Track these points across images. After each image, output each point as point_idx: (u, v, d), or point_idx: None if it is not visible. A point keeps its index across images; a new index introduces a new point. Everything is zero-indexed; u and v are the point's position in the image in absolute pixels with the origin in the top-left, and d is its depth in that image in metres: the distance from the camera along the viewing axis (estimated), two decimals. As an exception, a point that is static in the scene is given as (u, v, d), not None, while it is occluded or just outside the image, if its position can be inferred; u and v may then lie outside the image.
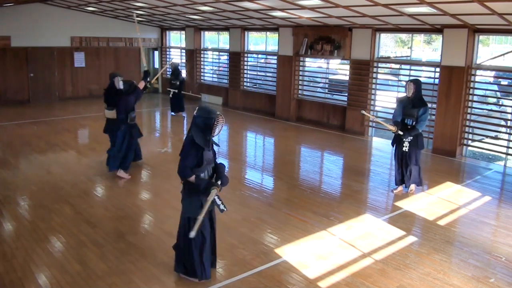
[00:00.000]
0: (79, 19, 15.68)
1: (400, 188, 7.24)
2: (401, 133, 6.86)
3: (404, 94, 7.06)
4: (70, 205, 6.36)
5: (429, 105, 10.04)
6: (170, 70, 13.82)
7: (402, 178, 7.18)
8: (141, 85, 7.89)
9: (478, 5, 6.91)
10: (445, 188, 7.52)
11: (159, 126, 13.31)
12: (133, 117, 7.68)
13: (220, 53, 16.25)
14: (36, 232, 5.49)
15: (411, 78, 7.18)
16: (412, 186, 7.22)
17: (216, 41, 17.33)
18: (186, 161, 4.19)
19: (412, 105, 6.81)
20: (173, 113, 13.61)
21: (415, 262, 4.97)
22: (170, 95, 13.38)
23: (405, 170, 7.08)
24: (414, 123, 6.87)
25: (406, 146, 6.95)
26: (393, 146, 7.24)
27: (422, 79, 11.46)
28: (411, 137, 6.89)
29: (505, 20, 7.69)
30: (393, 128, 6.89)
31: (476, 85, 9.62)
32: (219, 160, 9.44)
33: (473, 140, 9.83)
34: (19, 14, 14.28)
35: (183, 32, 17.16)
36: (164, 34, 18.08)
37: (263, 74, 15.00)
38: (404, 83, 11.40)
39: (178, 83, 13.31)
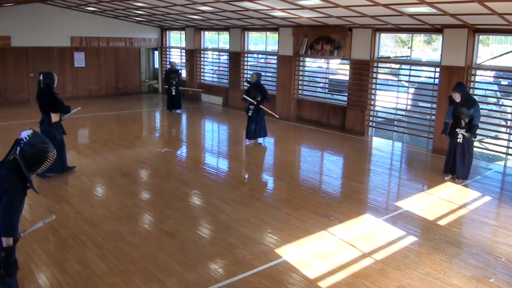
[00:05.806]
0: (79, 19, 15.67)
1: (450, 176, 7.88)
2: (466, 134, 7.54)
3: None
4: (70, 205, 6.36)
5: (429, 105, 10.17)
6: (170, 68, 14.11)
7: (452, 167, 7.79)
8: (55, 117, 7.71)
9: (478, 5, 6.91)
10: (445, 188, 7.52)
11: (159, 126, 13.29)
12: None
13: (220, 53, 16.24)
14: (36, 232, 5.48)
15: (454, 86, 7.55)
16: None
17: (216, 41, 17.32)
18: (14, 214, 3.14)
19: (462, 104, 7.48)
20: (168, 111, 14.14)
21: (415, 262, 4.97)
22: (173, 93, 13.88)
23: (458, 161, 7.68)
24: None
25: (460, 138, 7.60)
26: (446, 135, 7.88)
27: (422, 79, 11.57)
28: (464, 129, 7.58)
29: (505, 20, 7.69)
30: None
31: (476, 85, 9.62)
32: (221, 161, 9.53)
33: (473, 140, 9.79)
34: (19, 14, 14.27)
35: (183, 32, 17.15)
36: (164, 34, 18.06)
37: (263, 74, 14.96)
38: (404, 83, 11.47)
39: (176, 80, 13.77)
